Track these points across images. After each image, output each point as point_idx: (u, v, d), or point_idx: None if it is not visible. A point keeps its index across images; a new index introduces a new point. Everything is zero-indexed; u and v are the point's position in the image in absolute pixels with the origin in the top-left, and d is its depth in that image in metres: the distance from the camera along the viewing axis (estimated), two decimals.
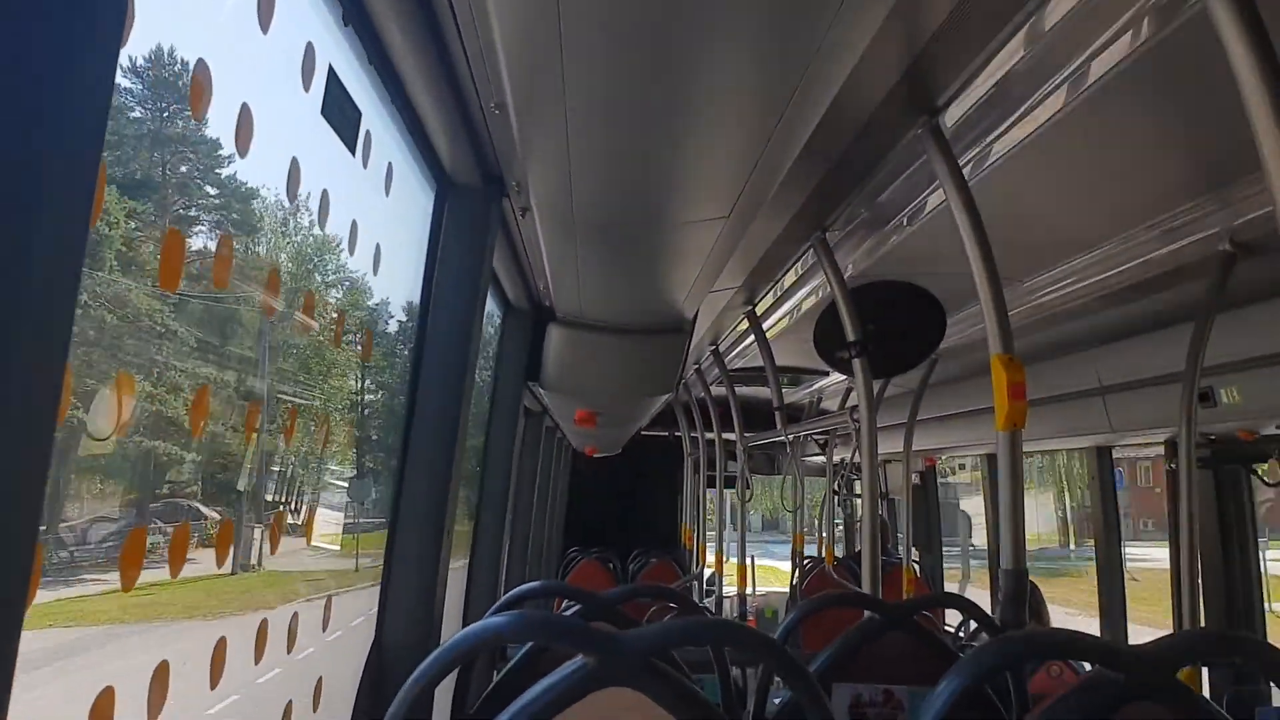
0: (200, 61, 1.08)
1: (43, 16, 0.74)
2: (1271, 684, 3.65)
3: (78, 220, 0.78)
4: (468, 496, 4.11)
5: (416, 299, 2.45)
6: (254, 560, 2.07)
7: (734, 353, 6.02)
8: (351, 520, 2.92)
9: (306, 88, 1.44)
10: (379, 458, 2.96)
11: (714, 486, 8.68)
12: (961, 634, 4.97)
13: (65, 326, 0.78)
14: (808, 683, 1.50)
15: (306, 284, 2.16)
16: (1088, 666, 1.69)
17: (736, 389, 6.31)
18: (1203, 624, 3.58)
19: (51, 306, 0.77)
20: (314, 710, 2.05)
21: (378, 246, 2.09)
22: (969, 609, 2.83)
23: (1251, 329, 3.15)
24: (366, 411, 3.01)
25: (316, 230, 1.85)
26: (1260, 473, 3.97)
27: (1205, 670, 3.51)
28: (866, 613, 2.50)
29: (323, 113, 1.52)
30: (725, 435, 7.29)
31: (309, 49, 1.42)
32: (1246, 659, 1.44)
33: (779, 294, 4.42)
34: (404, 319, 2.70)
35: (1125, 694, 1.34)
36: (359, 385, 2.80)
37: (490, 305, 3.66)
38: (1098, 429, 4.43)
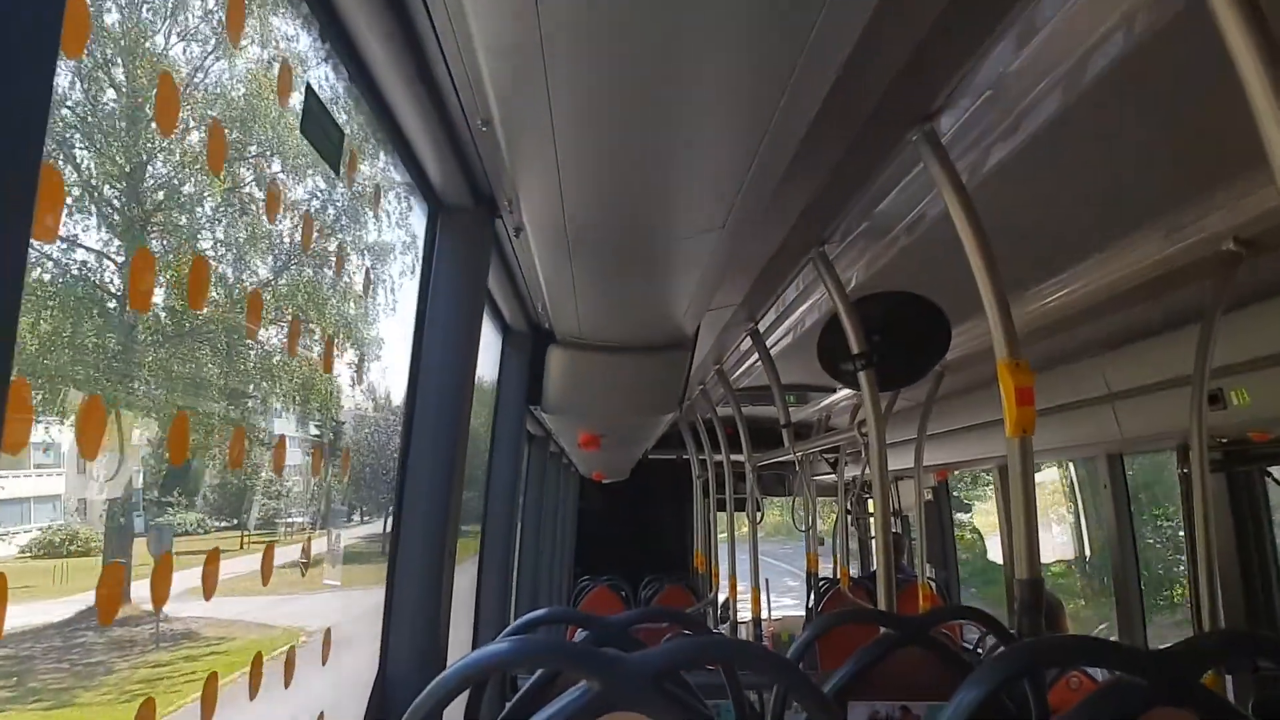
0: (165, 75, 1.05)
1: None
2: None
3: (18, 222, 0.75)
4: (473, 523, 4.07)
5: None
6: None
7: (739, 371, 5.97)
8: None
9: (284, 104, 1.42)
10: None
11: (724, 509, 8.61)
12: (980, 650, 4.88)
13: (9, 332, 0.74)
14: (819, 699, 1.45)
15: None
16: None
17: (744, 409, 6.24)
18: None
19: None
20: None
21: None
22: (985, 621, 2.78)
23: (1259, 328, 3.09)
24: None
25: None
26: (1276, 477, 3.89)
27: (1230, 679, 3.43)
28: (882, 629, 2.44)
29: (302, 130, 1.50)
30: (734, 456, 7.22)
31: (284, 65, 1.40)
32: (1269, 658, 1.39)
33: (781, 310, 4.37)
34: None
35: (1148, 698, 1.29)
36: None
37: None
38: (1109, 437, 4.36)
